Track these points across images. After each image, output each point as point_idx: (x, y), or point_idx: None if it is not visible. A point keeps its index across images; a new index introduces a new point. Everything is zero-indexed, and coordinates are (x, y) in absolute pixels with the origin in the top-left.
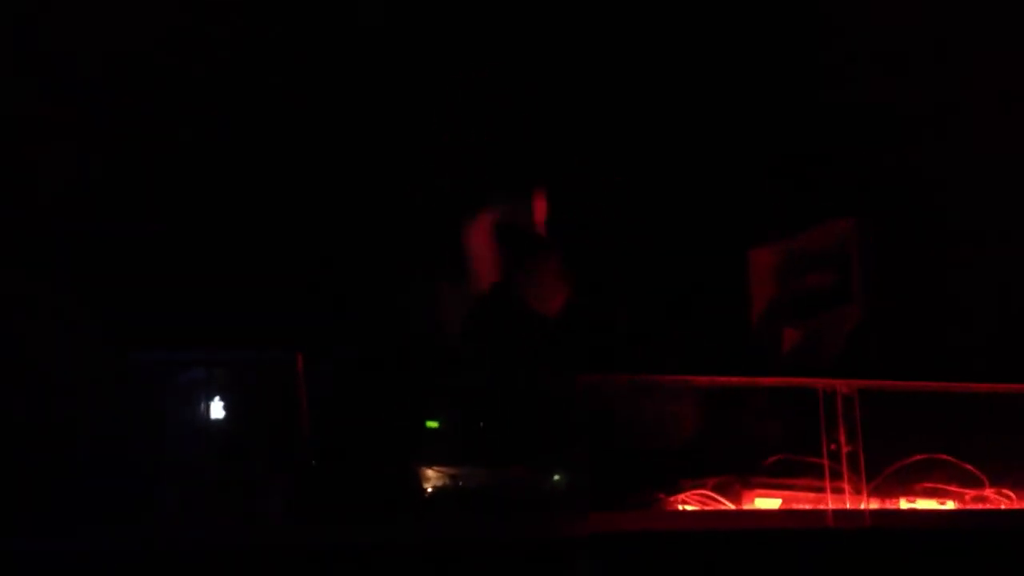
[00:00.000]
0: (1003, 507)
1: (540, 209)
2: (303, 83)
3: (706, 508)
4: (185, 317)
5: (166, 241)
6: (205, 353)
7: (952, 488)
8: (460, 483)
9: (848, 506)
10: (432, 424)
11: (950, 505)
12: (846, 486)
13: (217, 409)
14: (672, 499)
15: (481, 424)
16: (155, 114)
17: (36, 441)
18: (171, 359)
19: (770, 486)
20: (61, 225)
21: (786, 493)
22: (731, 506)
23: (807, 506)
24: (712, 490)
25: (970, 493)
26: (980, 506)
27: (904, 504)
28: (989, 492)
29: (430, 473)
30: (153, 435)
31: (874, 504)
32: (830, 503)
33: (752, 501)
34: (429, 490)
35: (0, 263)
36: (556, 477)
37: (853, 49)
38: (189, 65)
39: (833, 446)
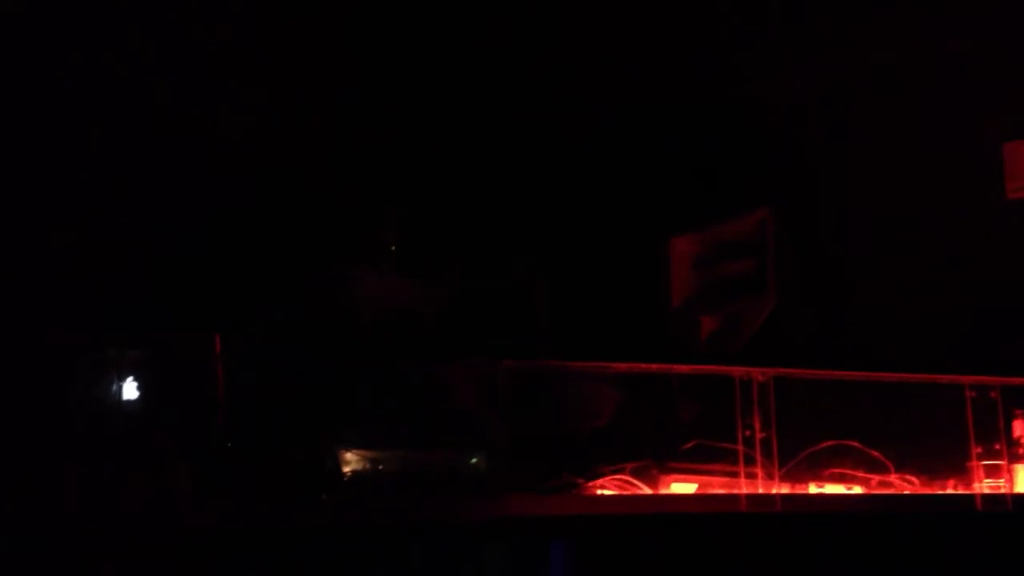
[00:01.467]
0: (907, 492)
1: None
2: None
3: (624, 492)
4: (102, 297)
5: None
6: (121, 334)
7: (859, 473)
8: (379, 466)
9: (760, 491)
10: (351, 406)
11: (857, 490)
12: (759, 471)
13: (130, 390)
14: (590, 483)
15: (399, 407)
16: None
17: None
18: (86, 340)
19: (686, 471)
20: None
21: (702, 478)
22: (648, 490)
23: (722, 490)
24: (630, 474)
25: (876, 478)
26: (885, 491)
27: (813, 489)
28: (894, 477)
29: (349, 456)
30: (63, 415)
31: (785, 489)
32: (744, 488)
33: (668, 485)
34: (347, 473)
35: None
36: (474, 461)
37: (757, 44)
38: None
39: (747, 432)
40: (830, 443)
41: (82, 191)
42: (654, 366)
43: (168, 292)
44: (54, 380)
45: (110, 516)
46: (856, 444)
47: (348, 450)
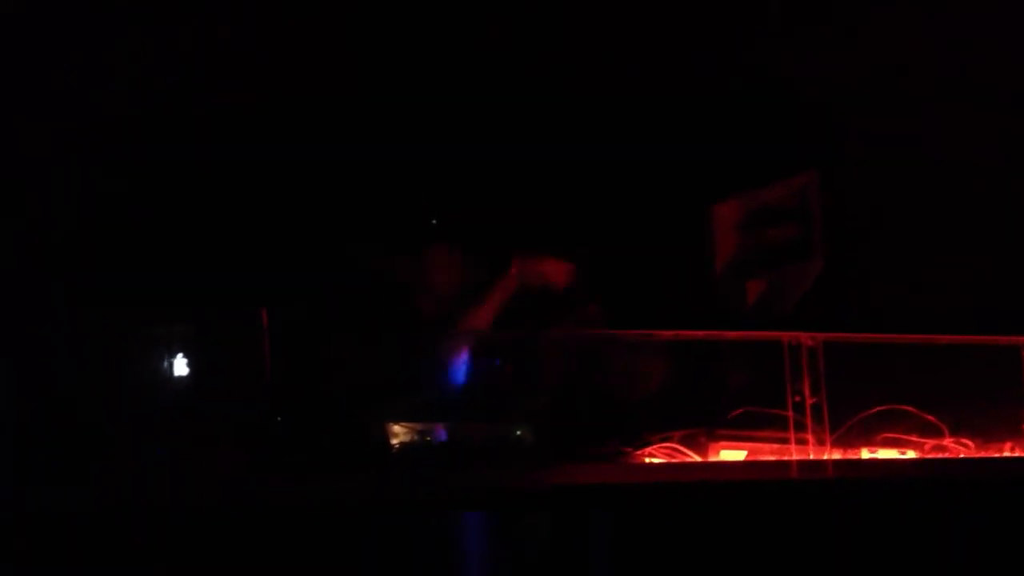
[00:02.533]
0: (961, 456)
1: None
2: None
3: (672, 460)
4: (151, 274)
5: (133, 197)
6: (169, 310)
7: (912, 438)
8: (427, 439)
9: (812, 457)
10: (398, 380)
11: (911, 455)
12: (810, 437)
13: (180, 366)
14: (638, 452)
15: (445, 379)
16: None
17: None
18: (135, 316)
19: (735, 438)
20: (22, 180)
21: (751, 445)
22: (697, 458)
23: (771, 458)
24: (678, 442)
25: (930, 443)
26: (940, 455)
27: (866, 454)
28: (948, 441)
29: (397, 429)
30: (114, 393)
31: (837, 455)
32: (794, 454)
33: (717, 453)
34: (395, 446)
35: None
36: (520, 432)
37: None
38: None
39: (797, 398)
40: (882, 408)
41: (130, 166)
42: (701, 333)
43: (216, 268)
44: (104, 358)
45: (160, 492)
46: (909, 408)
47: (395, 423)
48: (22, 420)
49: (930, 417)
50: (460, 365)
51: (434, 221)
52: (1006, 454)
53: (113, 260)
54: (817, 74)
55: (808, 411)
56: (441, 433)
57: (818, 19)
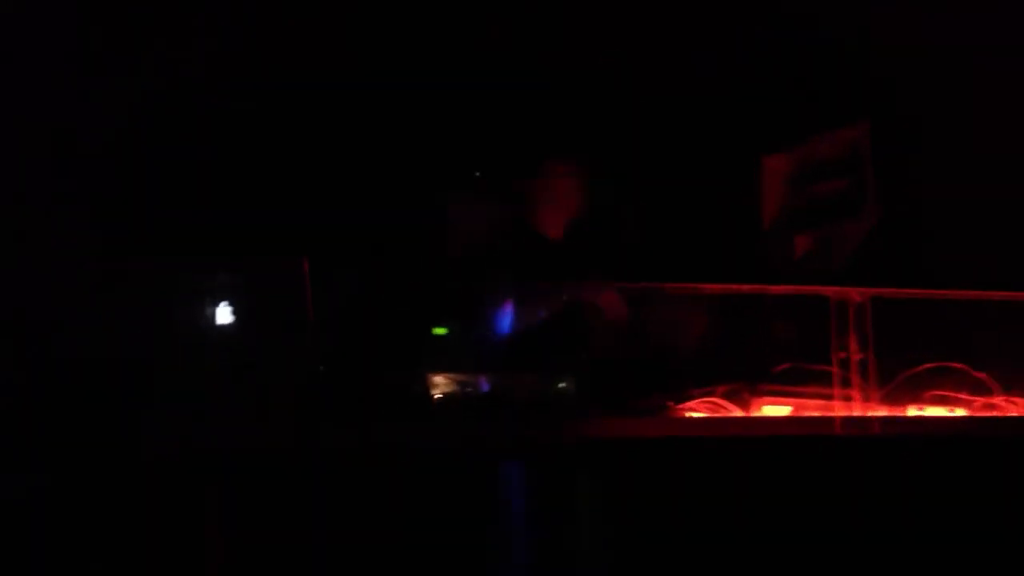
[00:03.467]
0: (1013, 414)
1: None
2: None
3: (714, 415)
4: (191, 222)
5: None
6: (211, 258)
7: (962, 396)
8: (468, 389)
9: (857, 414)
10: (440, 331)
11: (960, 413)
12: (855, 394)
13: (224, 314)
14: (681, 406)
15: (489, 331)
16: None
17: (38, 350)
18: (177, 264)
19: (779, 393)
20: (67, 129)
21: (795, 401)
22: (740, 413)
23: (816, 414)
24: (721, 397)
25: (980, 400)
26: (989, 413)
27: (913, 412)
28: (999, 399)
29: (437, 379)
30: (157, 340)
31: (883, 412)
32: (839, 411)
33: (761, 408)
34: (436, 396)
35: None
36: (562, 384)
37: None
38: None
39: (843, 354)
40: (931, 365)
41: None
42: (746, 287)
43: (259, 217)
44: (147, 305)
45: (205, 439)
46: (959, 365)
47: (437, 373)
48: (68, 373)
49: (980, 374)
50: (504, 316)
51: (477, 174)
52: None
53: (157, 208)
54: (868, 20)
55: (854, 367)
56: (483, 384)
57: None
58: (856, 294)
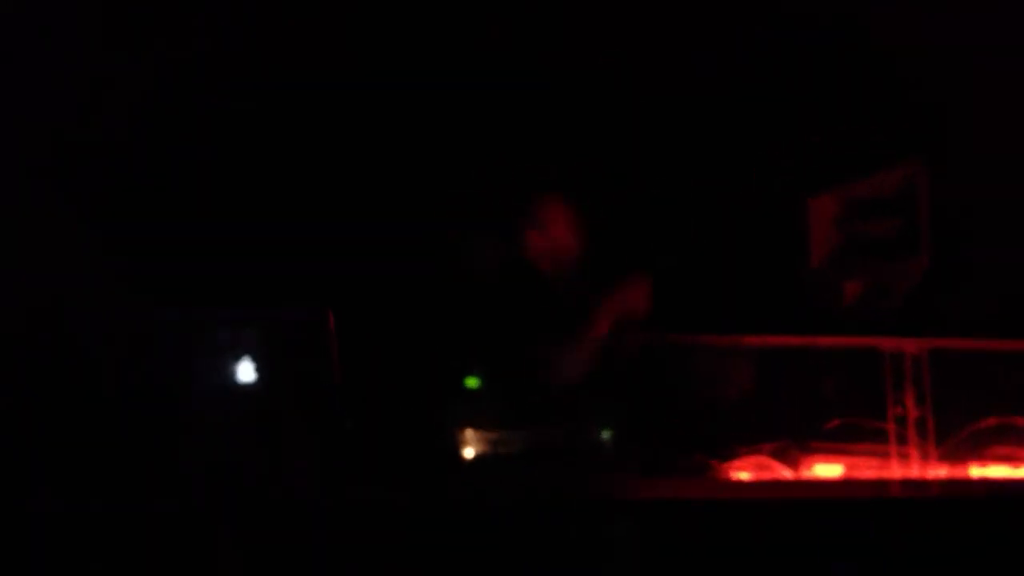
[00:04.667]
0: None
1: None
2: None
3: (761, 475)
4: (214, 275)
5: (198, 197)
6: (234, 311)
7: None
8: (502, 446)
9: (915, 474)
10: (472, 382)
11: None
12: (913, 452)
13: (247, 372)
14: (725, 465)
15: (522, 384)
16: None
17: (61, 401)
18: (199, 317)
19: (831, 451)
20: (88, 179)
21: (848, 459)
22: (788, 473)
23: (870, 473)
24: (768, 455)
25: None
26: None
27: (975, 471)
28: None
29: (468, 434)
30: (183, 393)
31: (942, 471)
32: (896, 471)
33: (811, 468)
34: (470, 452)
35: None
36: (602, 438)
37: None
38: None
39: (899, 409)
40: (994, 420)
41: (195, 172)
42: (794, 339)
43: (283, 269)
44: (173, 358)
45: (230, 493)
46: (1022, 421)
47: (470, 429)
48: (91, 420)
49: None
50: (538, 367)
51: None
52: None
53: (184, 259)
54: (924, 54)
55: (911, 424)
56: (519, 439)
57: None
58: (912, 346)
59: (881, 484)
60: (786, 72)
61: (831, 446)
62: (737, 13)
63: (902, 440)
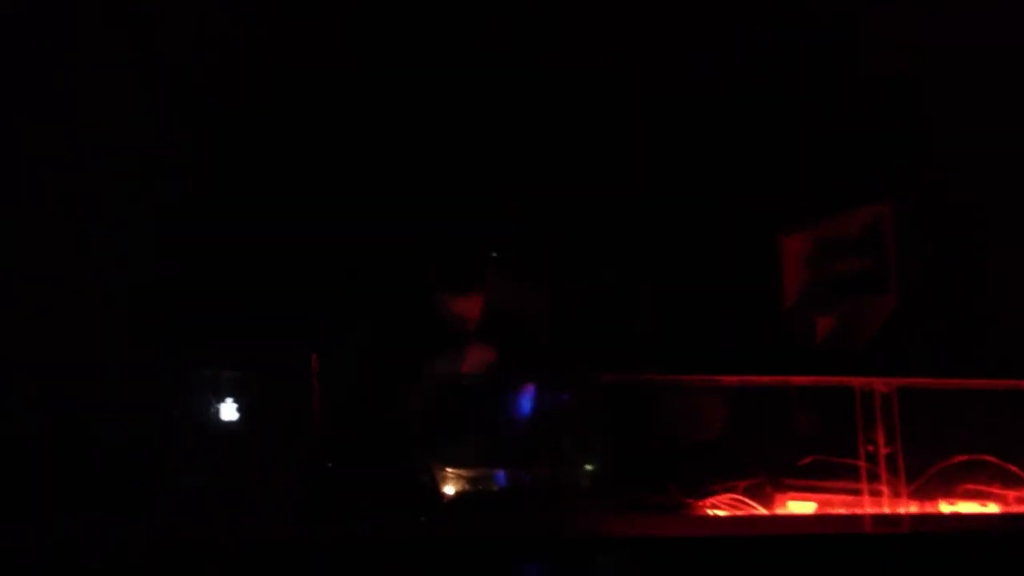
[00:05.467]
0: None
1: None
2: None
3: (735, 512)
4: (197, 318)
5: (179, 241)
6: (219, 352)
7: (995, 490)
8: (479, 485)
9: (886, 510)
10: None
11: (993, 508)
12: (884, 488)
13: (229, 411)
14: (700, 502)
15: (496, 423)
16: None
17: (46, 443)
18: (185, 359)
19: (804, 488)
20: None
21: (820, 496)
22: (762, 510)
23: (843, 510)
24: (742, 493)
25: (1014, 494)
26: None
27: (945, 507)
28: None
29: (446, 473)
30: (164, 434)
31: (913, 508)
32: (868, 507)
33: (785, 504)
34: (448, 491)
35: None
36: (577, 478)
37: (877, 25)
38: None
39: (870, 447)
40: (963, 457)
41: (178, 211)
42: (767, 378)
43: (265, 312)
44: (154, 399)
45: (210, 532)
46: (991, 458)
47: (446, 467)
48: (74, 461)
49: (1013, 467)
50: (515, 407)
51: (494, 254)
52: None
53: (167, 301)
54: (893, 97)
55: (882, 460)
56: (496, 478)
57: (896, 38)
58: (882, 384)
59: (853, 520)
60: (761, 111)
61: (804, 483)
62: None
63: (874, 477)
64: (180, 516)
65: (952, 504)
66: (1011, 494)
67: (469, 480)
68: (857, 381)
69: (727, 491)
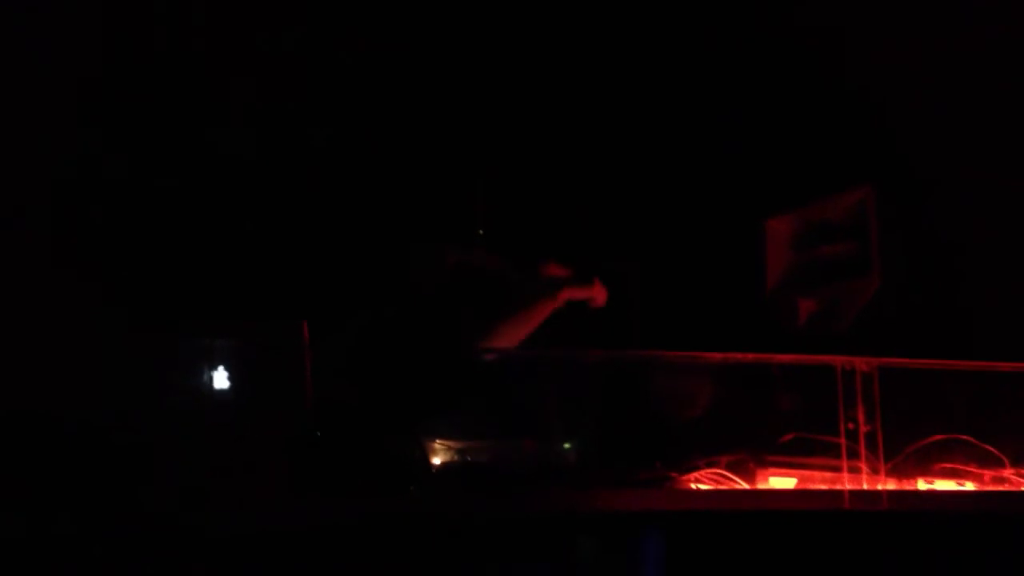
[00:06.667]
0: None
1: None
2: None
3: (718, 487)
4: (188, 288)
5: (169, 209)
6: (209, 323)
7: (972, 469)
8: (467, 457)
9: (865, 487)
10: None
11: (969, 486)
12: (863, 466)
13: (220, 380)
14: (684, 477)
15: (488, 397)
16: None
17: (33, 418)
18: (175, 330)
19: (785, 465)
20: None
21: (801, 472)
22: (744, 485)
23: (823, 486)
24: (725, 468)
25: (990, 474)
26: (1000, 487)
27: (922, 485)
28: (1010, 473)
29: (437, 446)
30: (153, 407)
31: (891, 485)
32: (847, 484)
33: (766, 480)
34: (435, 464)
35: None
36: (565, 449)
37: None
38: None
39: (851, 424)
40: (940, 436)
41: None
42: (750, 356)
43: (256, 281)
44: (143, 372)
45: (200, 509)
46: (969, 438)
47: (436, 441)
48: (61, 437)
49: (990, 447)
50: (502, 383)
51: (481, 232)
52: None
53: (152, 271)
54: (875, 82)
55: (862, 438)
56: (482, 452)
57: (877, 24)
58: (863, 363)
59: (833, 495)
60: (745, 97)
61: (786, 459)
62: (700, 38)
63: (853, 454)
64: (167, 496)
65: (929, 482)
66: (987, 473)
67: (457, 452)
68: (839, 360)
69: (710, 466)
